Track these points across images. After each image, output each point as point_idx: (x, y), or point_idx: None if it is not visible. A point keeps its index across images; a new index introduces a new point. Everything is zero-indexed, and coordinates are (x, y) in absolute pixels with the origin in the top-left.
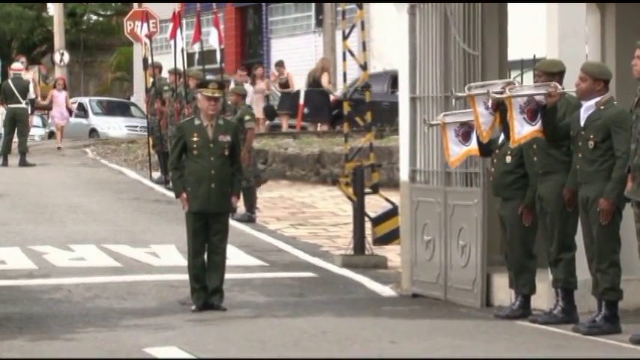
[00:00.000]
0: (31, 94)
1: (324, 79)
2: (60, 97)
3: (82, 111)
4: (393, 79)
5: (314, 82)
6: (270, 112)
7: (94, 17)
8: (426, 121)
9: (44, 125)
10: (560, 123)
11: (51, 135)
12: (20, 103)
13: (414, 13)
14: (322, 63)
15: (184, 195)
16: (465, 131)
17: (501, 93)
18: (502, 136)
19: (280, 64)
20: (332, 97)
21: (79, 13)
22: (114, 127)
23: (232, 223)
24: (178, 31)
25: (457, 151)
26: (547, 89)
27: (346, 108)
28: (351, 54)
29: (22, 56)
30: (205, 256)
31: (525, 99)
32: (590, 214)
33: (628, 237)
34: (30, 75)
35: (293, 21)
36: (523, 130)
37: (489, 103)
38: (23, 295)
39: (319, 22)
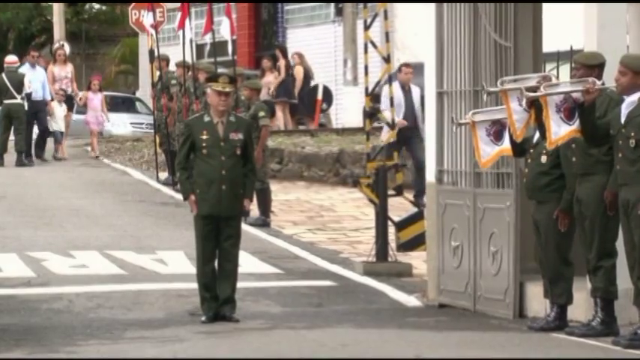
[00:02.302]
0: (27, 89)
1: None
2: (95, 99)
3: (84, 107)
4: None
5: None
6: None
7: (97, 6)
8: (455, 120)
9: None
10: (600, 121)
11: (50, 133)
12: (15, 98)
13: (441, 2)
14: (295, 59)
15: (193, 197)
16: (497, 130)
17: (536, 89)
18: (537, 135)
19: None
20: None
21: (80, 1)
22: (118, 124)
23: (245, 227)
24: (187, 20)
25: (489, 151)
26: (584, 85)
27: (368, 104)
28: (374, 45)
29: (60, 49)
30: (216, 264)
31: (562, 96)
32: (631, 218)
33: None
34: (69, 68)
35: (310, 10)
36: (560, 130)
37: (522, 100)
38: (21, 305)
39: (339, 11)
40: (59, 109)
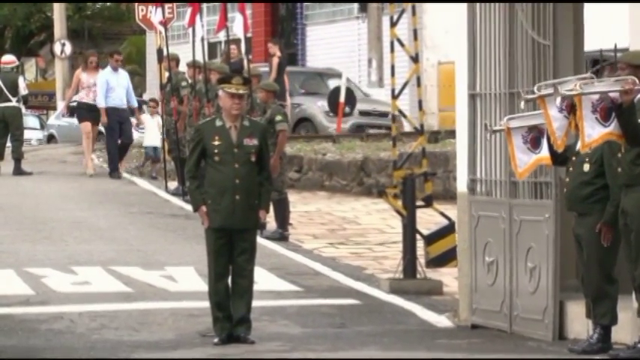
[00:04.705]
0: (22, 90)
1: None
2: None
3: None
4: None
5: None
6: None
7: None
8: (488, 127)
9: (42, 127)
10: None
11: (50, 139)
12: (10, 101)
13: (473, 1)
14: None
15: (204, 208)
16: (534, 136)
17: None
18: (580, 142)
19: (235, 42)
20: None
21: (82, 1)
22: None
23: (261, 241)
24: (198, 17)
25: (526, 160)
26: (622, 85)
27: (394, 107)
28: (400, 43)
29: (93, 55)
30: (229, 281)
31: (598, 96)
32: None
33: None
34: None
35: (332, 5)
36: (594, 132)
37: (563, 105)
38: (18, 325)
39: (363, 7)
40: (151, 122)
